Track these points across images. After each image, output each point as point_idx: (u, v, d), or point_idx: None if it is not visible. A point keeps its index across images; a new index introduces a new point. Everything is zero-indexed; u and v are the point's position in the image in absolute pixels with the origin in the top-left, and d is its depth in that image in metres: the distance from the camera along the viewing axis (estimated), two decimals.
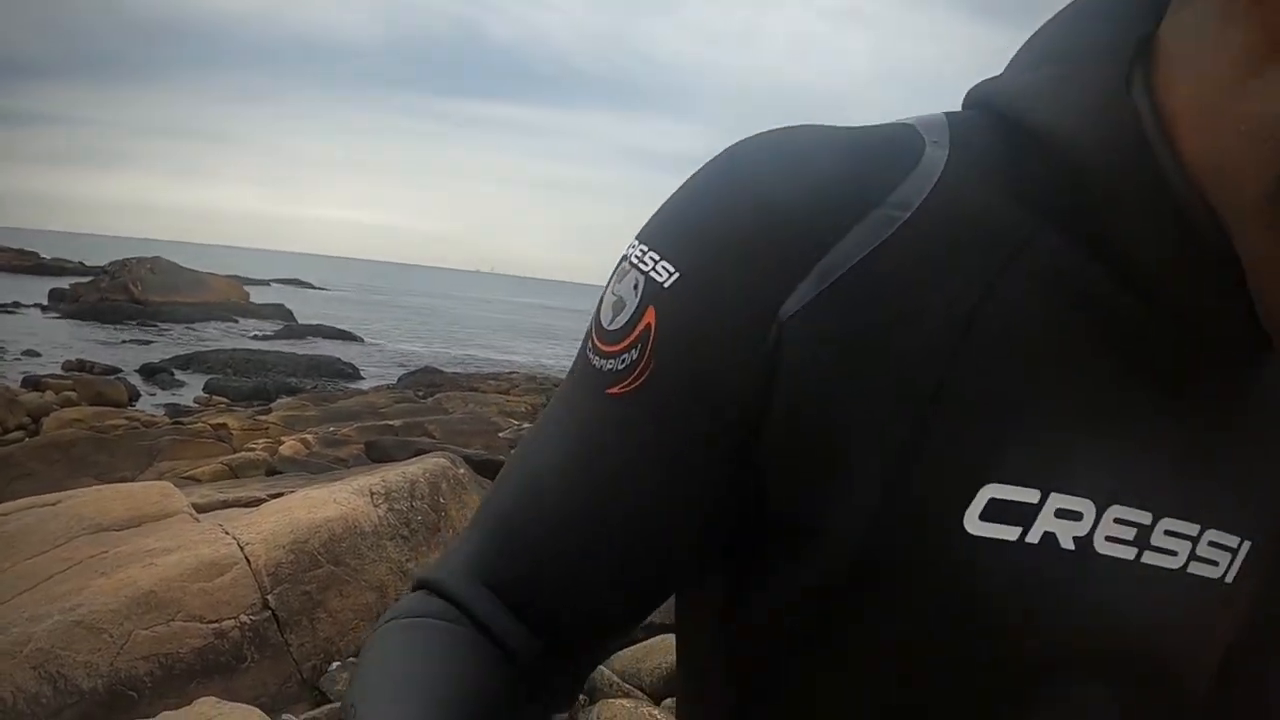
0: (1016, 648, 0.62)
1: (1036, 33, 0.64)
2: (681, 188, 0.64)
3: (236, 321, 35.30)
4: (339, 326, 36.32)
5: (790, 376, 0.57)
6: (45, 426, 13.15)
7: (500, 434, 16.34)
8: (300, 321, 36.47)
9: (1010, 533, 0.59)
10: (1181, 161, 0.55)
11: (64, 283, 39.67)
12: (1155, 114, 0.56)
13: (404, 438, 12.36)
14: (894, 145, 0.60)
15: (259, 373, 22.48)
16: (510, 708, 0.62)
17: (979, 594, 0.60)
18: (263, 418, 14.76)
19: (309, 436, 12.72)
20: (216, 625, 4.53)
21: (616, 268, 0.65)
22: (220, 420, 13.80)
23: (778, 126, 0.63)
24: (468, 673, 0.61)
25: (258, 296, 44.67)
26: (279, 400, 17.91)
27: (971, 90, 0.65)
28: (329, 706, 4.59)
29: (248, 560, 4.81)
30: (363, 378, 24.43)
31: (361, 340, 34.75)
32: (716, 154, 0.64)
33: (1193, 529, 0.64)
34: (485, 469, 10.55)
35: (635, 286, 0.62)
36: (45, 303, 36.17)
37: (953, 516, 0.59)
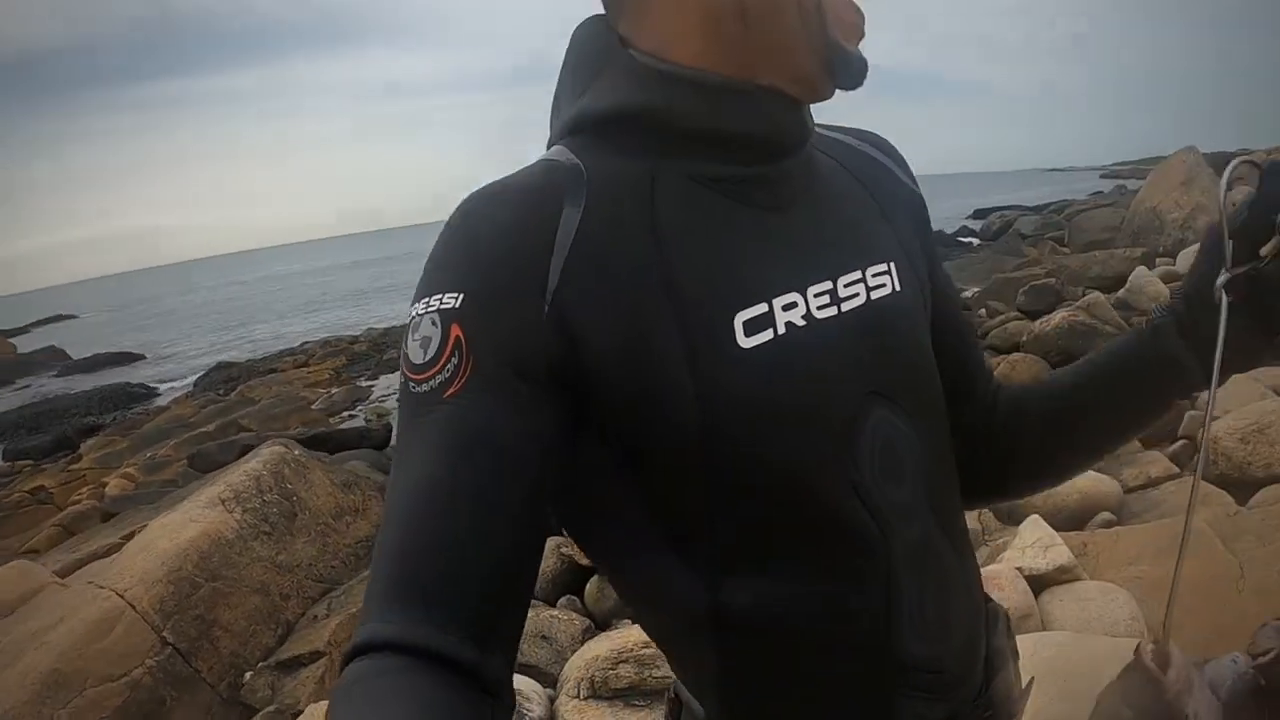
0: (826, 394, 0.89)
1: (562, 75, 0.97)
2: (435, 246, 0.86)
3: (13, 382, 33.45)
4: (118, 350, 34.70)
5: (577, 322, 0.82)
6: None
7: (313, 406, 16.27)
8: (77, 357, 34.68)
9: (766, 333, 0.86)
10: (701, 68, 0.88)
11: None
12: (662, 61, 0.89)
13: (223, 440, 12.25)
14: (554, 169, 0.87)
15: (54, 422, 21.27)
16: None
17: (781, 377, 0.86)
18: (76, 466, 14.25)
19: (130, 469, 12.40)
20: (127, 678, 4.61)
21: (407, 327, 0.83)
22: (35, 484, 13.23)
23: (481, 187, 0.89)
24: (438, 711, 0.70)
25: (24, 345, 42.42)
26: (86, 443, 17.15)
27: (558, 127, 0.95)
28: (261, 714, 4.75)
29: (132, 606, 4.86)
30: (159, 394, 23.58)
31: (144, 356, 33.37)
32: (451, 214, 0.87)
33: (855, 274, 0.93)
34: (316, 444, 10.61)
35: (433, 323, 0.81)
36: None
37: (728, 343, 0.84)
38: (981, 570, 2.59)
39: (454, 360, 0.80)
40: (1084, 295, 12.64)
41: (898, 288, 0.97)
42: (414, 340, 0.83)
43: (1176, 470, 6.02)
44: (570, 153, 0.89)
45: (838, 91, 0.92)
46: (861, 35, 0.90)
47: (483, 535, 0.78)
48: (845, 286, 0.92)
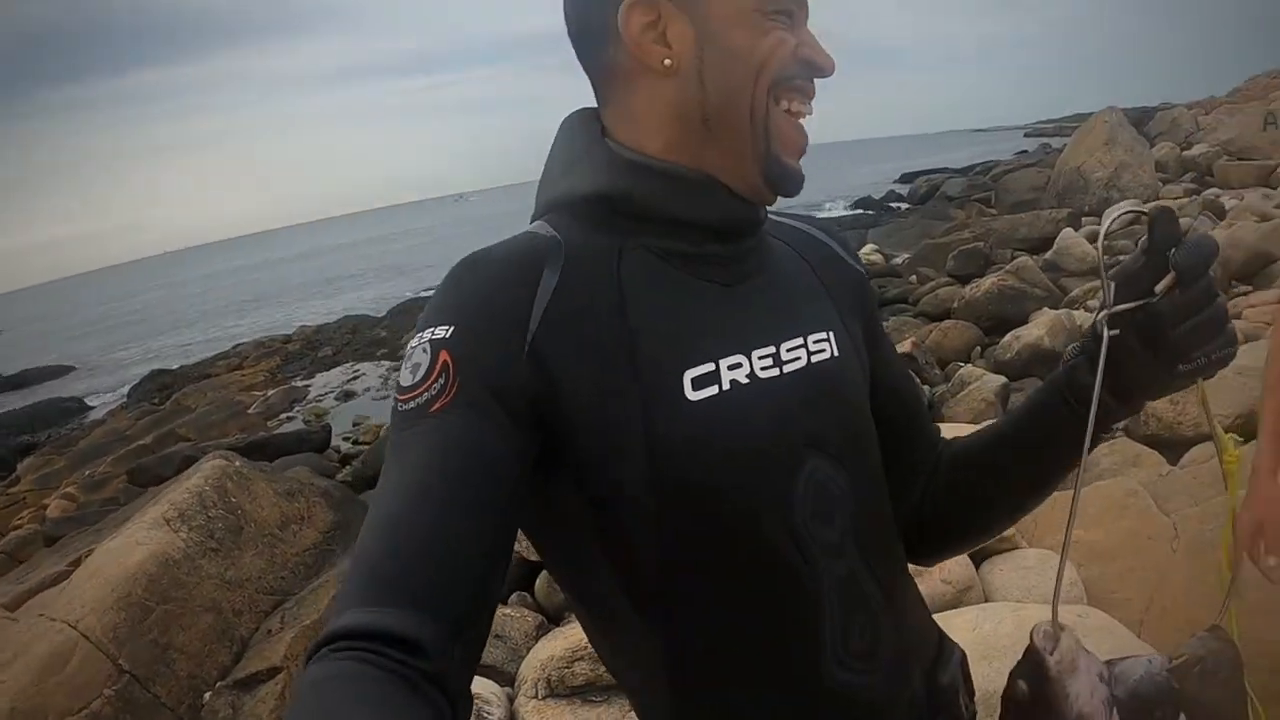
0: (765, 446, 1.01)
1: (550, 159, 1.12)
2: (433, 295, 0.99)
3: None
4: (47, 364, 33.84)
5: (553, 368, 0.94)
6: None
7: (250, 410, 16.14)
8: (5, 374, 33.89)
9: (712, 389, 0.99)
10: (666, 160, 1.04)
11: None
12: (634, 152, 1.04)
13: (161, 452, 12.15)
14: (536, 239, 1.01)
15: None
16: None
17: (723, 428, 0.98)
18: (14, 490, 14.01)
19: (70, 489, 12.16)
20: (87, 710, 4.57)
21: (407, 353, 0.96)
22: None
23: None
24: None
25: None
26: (22, 464, 16.78)
27: (542, 202, 1.09)
28: None
29: (86, 636, 4.81)
30: (92, 407, 23.15)
31: (75, 368, 32.58)
32: (449, 271, 1.00)
33: (797, 340, 1.07)
34: (256, 451, 10.56)
35: (424, 350, 0.93)
36: None
37: (677, 396, 0.97)
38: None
39: (441, 381, 0.91)
40: (1013, 258, 12.86)
41: (836, 353, 1.10)
42: (406, 368, 0.95)
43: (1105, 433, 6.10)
44: (550, 227, 1.03)
45: None
46: (803, 152, 1.06)
47: (460, 537, 0.86)
48: (788, 351, 1.05)
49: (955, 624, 3.25)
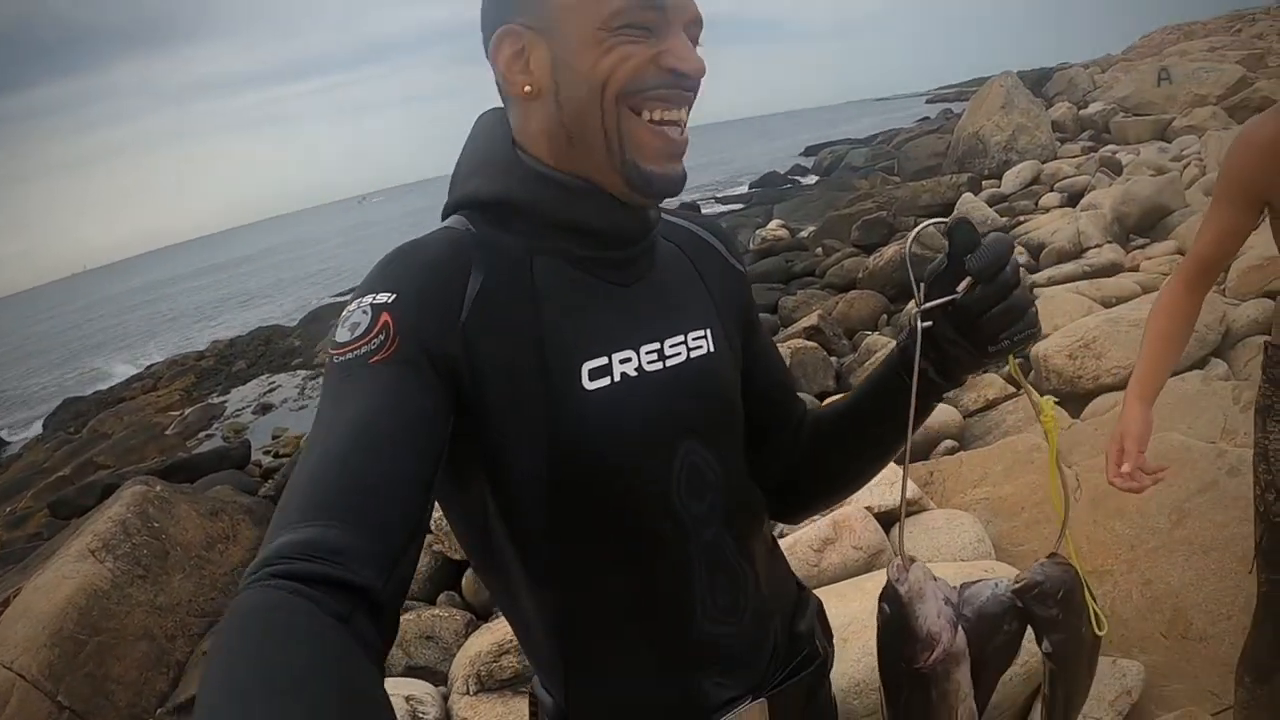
0: (648, 430, 1.15)
1: (461, 157, 1.23)
2: (370, 272, 1.09)
3: None
4: None
5: (478, 352, 1.06)
6: None
7: (168, 432, 15.94)
8: None
9: (604, 380, 1.12)
10: (565, 172, 1.15)
11: None
12: (537, 161, 1.16)
13: (81, 482, 11.97)
14: (460, 235, 1.13)
15: None
16: (357, 658, 0.78)
17: (613, 414, 1.12)
18: None
19: None
20: None
21: (342, 318, 1.05)
22: None
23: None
24: (316, 650, 0.75)
25: None
26: None
27: (455, 196, 1.21)
28: None
29: (21, 676, 4.82)
30: (8, 442, 22.61)
31: None
32: (382, 258, 1.11)
33: (678, 338, 1.21)
34: (175, 473, 10.47)
35: (364, 311, 1.03)
36: None
37: (575, 385, 1.11)
38: (832, 514, 2.92)
39: (381, 338, 1.01)
40: (915, 226, 13.12)
41: (712, 349, 1.25)
42: (342, 327, 1.04)
43: (1013, 390, 6.30)
44: (468, 224, 1.16)
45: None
46: (674, 155, 1.16)
47: (396, 470, 0.94)
48: (670, 347, 1.20)
49: (868, 587, 3.38)
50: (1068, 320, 6.81)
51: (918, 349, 1.15)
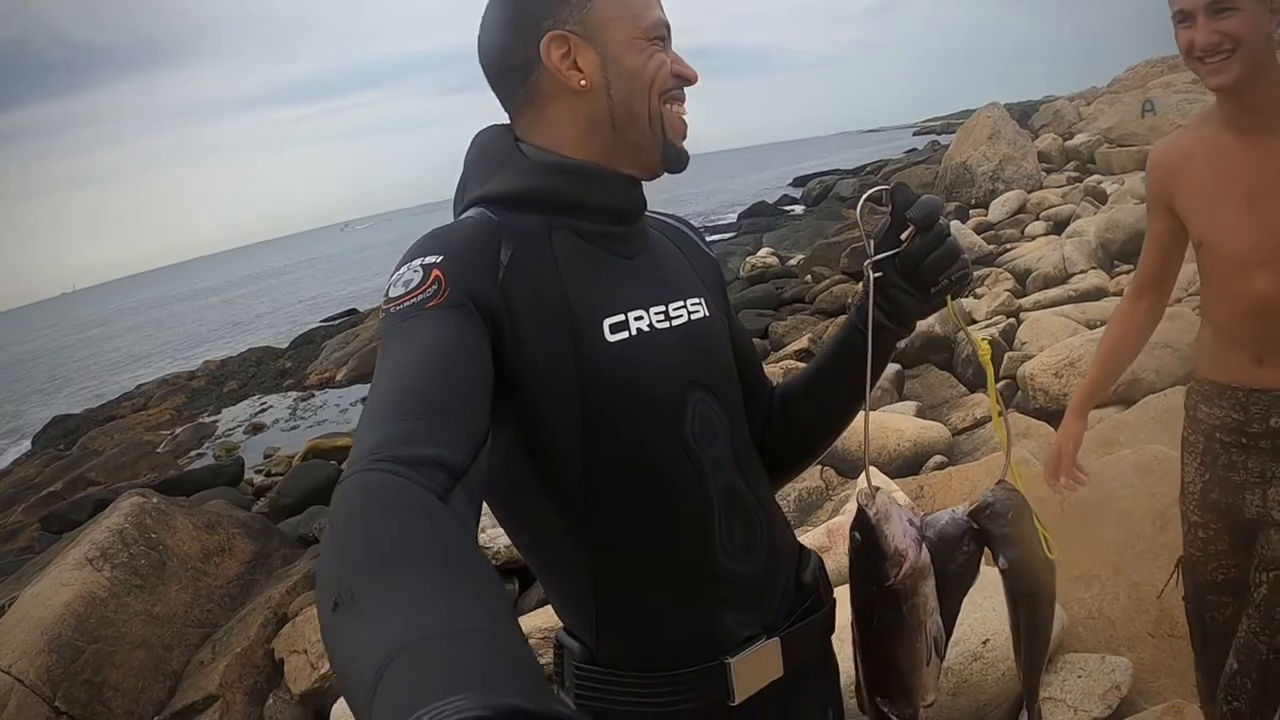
0: (663, 379, 1.30)
1: (467, 168, 1.39)
2: (413, 245, 1.22)
3: None
4: None
5: (515, 306, 1.20)
6: None
7: (159, 450, 15.94)
8: None
9: (624, 334, 1.28)
10: (576, 159, 1.32)
11: None
12: (549, 154, 1.33)
13: (74, 497, 11.98)
14: (482, 218, 1.27)
15: None
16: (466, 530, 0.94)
17: (633, 363, 1.27)
18: None
19: None
20: None
21: (392, 281, 1.18)
22: None
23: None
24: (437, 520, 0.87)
25: None
26: None
27: (468, 200, 1.34)
28: None
29: (20, 681, 4.88)
30: None
31: None
32: (421, 237, 1.24)
33: (680, 303, 1.37)
34: (169, 489, 10.49)
35: (416, 270, 1.16)
36: None
37: (600, 338, 1.26)
38: (826, 523, 3.04)
39: (434, 288, 1.14)
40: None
41: (707, 314, 1.41)
42: (396, 284, 1.17)
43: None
44: (487, 213, 1.29)
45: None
46: (685, 136, 1.37)
47: (464, 386, 1.07)
48: (674, 309, 1.35)
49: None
50: (1053, 341, 6.95)
51: (870, 292, 1.34)
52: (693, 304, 1.39)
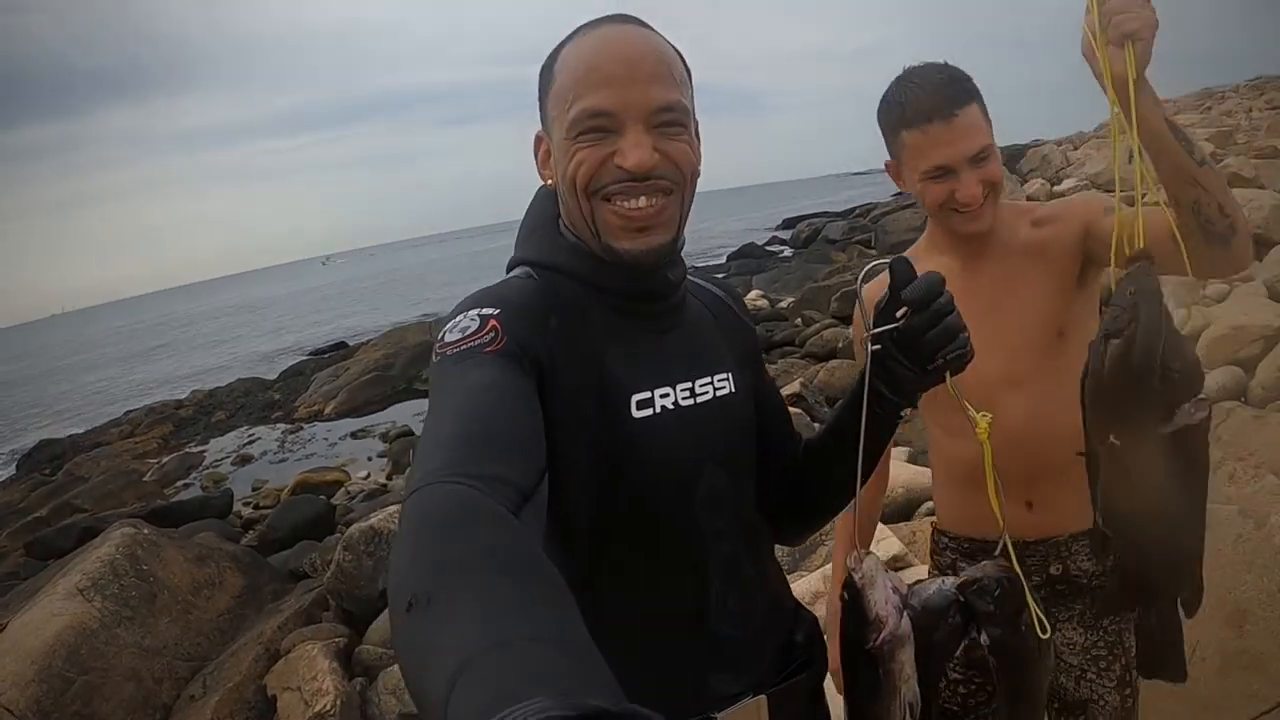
0: (680, 455, 1.36)
1: (523, 221, 1.48)
2: (469, 297, 1.30)
3: None
4: None
5: (557, 367, 1.26)
6: None
7: (146, 478, 15.83)
8: None
9: (648, 410, 1.34)
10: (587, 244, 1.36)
11: None
12: (575, 237, 1.38)
13: (59, 524, 11.93)
14: (531, 280, 1.37)
15: None
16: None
17: (654, 440, 1.33)
18: None
19: None
20: None
21: (447, 327, 1.24)
22: None
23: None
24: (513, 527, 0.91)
25: None
26: None
27: (519, 253, 1.45)
28: None
29: (10, 710, 4.85)
30: None
31: None
32: (472, 293, 1.32)
33: (707, 379, 1.43)
34: (157, 519, 10.44)
35: (474, 319, 1.22)
36: None
37: (626, 413, 1.32)
38: (821, 569, 3.07)
39: (491, 335, 1.21)
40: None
41: (733, 390, 1.46)
42: (452, 330, 1.24)
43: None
44: (533, 274, 1.38)
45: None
46: (638, 231, 1.32)
47: (525, 425, 1.13)
48: (699, 386, 1.41)
49: None
50: None
51: (869, 364, 1.37)
52: (719, 380, 1.44)
